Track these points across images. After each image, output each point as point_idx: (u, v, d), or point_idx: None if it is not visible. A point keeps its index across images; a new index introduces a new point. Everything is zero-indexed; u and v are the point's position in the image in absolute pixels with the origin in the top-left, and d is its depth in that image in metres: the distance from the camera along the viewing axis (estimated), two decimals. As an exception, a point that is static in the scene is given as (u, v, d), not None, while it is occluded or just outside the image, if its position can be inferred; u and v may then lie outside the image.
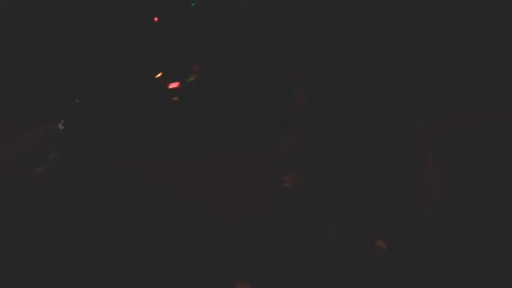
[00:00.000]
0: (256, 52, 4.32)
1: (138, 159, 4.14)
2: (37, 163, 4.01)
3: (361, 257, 3.53)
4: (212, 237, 3.82)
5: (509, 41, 3.88)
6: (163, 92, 3.83)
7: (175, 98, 3.80)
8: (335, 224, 3.64)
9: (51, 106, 4.09)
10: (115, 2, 4.08)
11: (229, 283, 3.56)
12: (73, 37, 4.08)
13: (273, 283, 3.55)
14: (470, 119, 3.75)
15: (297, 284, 3.54)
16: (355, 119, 4.00)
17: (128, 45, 4.01)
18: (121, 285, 3.72)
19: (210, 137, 4.24)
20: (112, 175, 4.05)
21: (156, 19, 3.95)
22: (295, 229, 3.72)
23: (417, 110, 3.89)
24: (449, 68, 3.97)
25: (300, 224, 3.73)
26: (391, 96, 4.00)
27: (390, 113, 3.96)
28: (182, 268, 3.72)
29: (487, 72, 3.89)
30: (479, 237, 3.49)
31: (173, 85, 3.70)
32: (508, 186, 3.58)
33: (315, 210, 3.74)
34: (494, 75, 3.88)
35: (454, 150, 3.70)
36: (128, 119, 4.17)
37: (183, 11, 4.08)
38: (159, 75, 3.68)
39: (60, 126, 3.91)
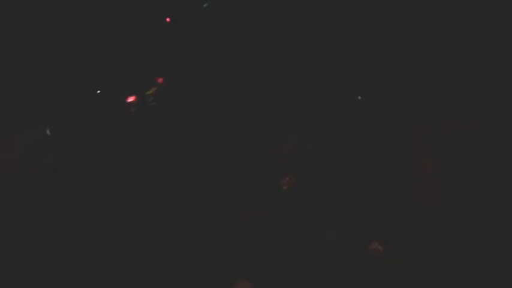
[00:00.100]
0: (258, 52, 4.32)
1: (138, 162, 4.16)
2: (34, 165, 4.02)
3: (360, 258, 3.54)
4: (212, 238, 3.82)
5: (508, 42, 3.88)
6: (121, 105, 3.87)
7: (132, 110, 3.82)
8: (335, 225, 3.64)
9: (43, 108, 4.09)
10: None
11: (229, 283, 3.57)
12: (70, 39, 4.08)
13: (273, 283, 3.55)
14: (470, 121, 3.75)
15: (297, 283, 3.55)
16: (355, 121, 4.01)
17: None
18: (121, 285, 3.73)
19: (209, 138, 4.24)
20: (109, 178, 4.08)
21: (168, 20, 3.98)
22: (294, 230, 3.73)
23: (417, 112, 3.89)
24: (448, 70, 3.97)
25: (299, 225, 3.73)
26: (390, 98, 4.01)
27: (389, 115, 3.96)
28: (182, 268, 3.73)
29: (486, 74, 3.89)
30: (478, 239, 3.49)
31: (130, 99, 3.70)
32: (507, 188, 3.58)
33: (314, 212, 3.75)
34: (494, 76, 3.88)
35: (453, 152, 3.70)
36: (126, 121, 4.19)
37: (195, 11, 4.11)
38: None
39: (48, 132, 3.92)
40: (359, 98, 3.85)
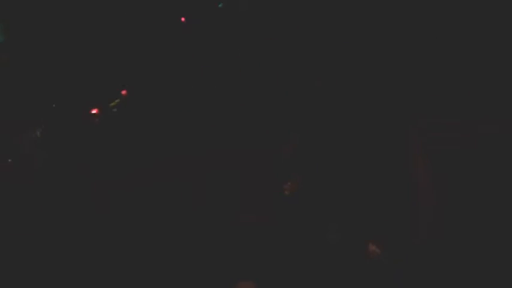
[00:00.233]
0: (258, 52, 4.32)
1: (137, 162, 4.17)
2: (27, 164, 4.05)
3: (360, 259, 3.54)
4: (213, 239, 3.82)
5: (506, 46, 3.88)
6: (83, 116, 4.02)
7: (97, 120, 3.93)
8: (335, 227, 3.65)
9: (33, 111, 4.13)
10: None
11: (231, 283, 3.57)
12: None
13: (274, 283, 3.56)
14: (465, 127, 3.76)
15: (298, 284, 3.55)
16: (355, 126, 4.01)
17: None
18: (120, 285, 3.74)
19: (209, 138, 4.24)
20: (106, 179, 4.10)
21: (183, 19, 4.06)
22: (295, 231, 3.73)
23: (416, 113, 3.89)
24: (447, 72, 3.97)
25: (300, 226, 3.74)
26: (389, 104, 4.01)
27: (389, 121, 3.96)
28: (185, 268, 3.74)
29: (486, 77, 3.89)
30: (477, 240, 3.49)
31: (93, 110, 3.81)
32: (503, 190, 3.58)
33: (314, 213, 3.75)
34: (493, 80, 3.87)
35: (450, 157, 3.71)
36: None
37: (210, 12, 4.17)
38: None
39: (38, 134, 3.98)
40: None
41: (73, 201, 4.03)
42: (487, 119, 3.75)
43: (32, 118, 4.05)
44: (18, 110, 4.04)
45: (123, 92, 4.04)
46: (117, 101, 4.04)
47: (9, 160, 3.98)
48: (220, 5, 4.17)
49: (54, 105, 4.06)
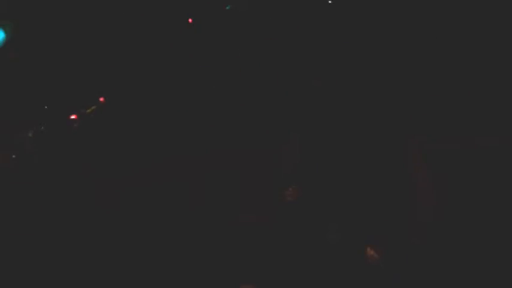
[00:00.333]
0: (258, 52, 4.32)
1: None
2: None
3: (359, 259, 3.56)
4: (213, 238, 3.84)
5: (505, 57, 3.89)
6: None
7: (75, 126, 4.09)
8: (335, 227, 3.66)
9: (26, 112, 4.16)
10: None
11: (232, 282, 3.58)
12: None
13: (274, 283, 3.57)
14: (461, 139, 3.79)
15: (299, 284, 3.57)
16: (355, 126, 4.03)
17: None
18: (120, 285, 3.75)
19: (209, 138, 4.25)
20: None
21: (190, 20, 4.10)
22: (295, 231, 3.75)
23: (413, 129, 3.92)
24: (448, 83, 3.98)
25: (300, 227, 3.75)
26: (390, 104, 4.02)
27: (389, 121, 3.98)
28: (185, 268, 3.75)
29: (486, 89, 3.90)
30: (476, 241, 3.52)
31: (72, 116, 4.00)
32: (505, 191, 3.61)
33: (314, 214, 3.77)
34: (493, 91, 3.89)
35: (448, 167, 3.73)
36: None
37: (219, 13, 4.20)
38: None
39: (30, 134, 4.04)
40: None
41: (63, 200, 4.04)
42: (487, 132, 3.77)
43: (25, 118, 4.08)
44: (12, 110, 4.06)
45: (101, 99, 4.12)
46: (93, 107, 4.12)
47: (13, 156, 4.01)
48: (228, 7, 4.17)
49: (46, 107, 4.11)
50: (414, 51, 4.08)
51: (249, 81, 4.35)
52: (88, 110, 4.13)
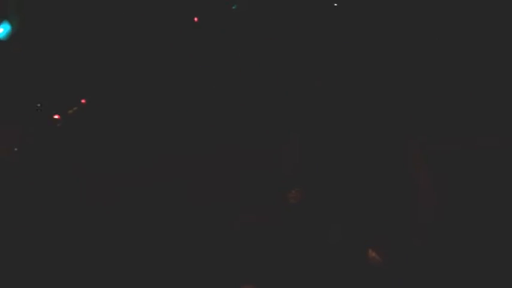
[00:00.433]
0: (258, 52, 4.31)
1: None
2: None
3: (360, 260, 3.54)
4: (213, 239, 3.82)
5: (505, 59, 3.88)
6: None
7: (59, 125, 4.21)
8: (337, 228, 3.65)
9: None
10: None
11: (232, 283, 3.57)
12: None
13: (274, 283, 3.56)
14: (462, 140, 3.78)
15: (300, 285, 3.55)
16: (355, 127, 4.01)
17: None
18: (120, 285, 3.74)
19: (209, 139, 4.24)
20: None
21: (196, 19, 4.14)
22: (296, 232, 3.73)
23: (414, 129, 3.91)
24: (449, 84, 3.97)
25: (301, 227, 3.74)
26: (390, 105, 4.01)
27: (389, 121, 3.97)
28: (184, 268, 3.74)
29: (487, 90, 3.89)
30: (474, 244, 3.50)
31: (56, 116, 4.17)
32: (505, 192, 3.59)
33: (315, 215, 3.75)
34: (493, 92, 3.88)
35: (449, 168, 3.71)
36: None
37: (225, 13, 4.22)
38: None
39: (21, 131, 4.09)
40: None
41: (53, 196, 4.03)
42: (487, 132, 3.75)
43: (16, 116, 4.11)
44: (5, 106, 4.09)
45: (83, 101, 4.22)
46: (75, 108, 4.20)
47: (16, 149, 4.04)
48: (234, 7, 4.17)
49: (39, 105, 4.15)
50: (415, 52, 4.07)
51: (249, 81, 4.34)
52: (70, 111, 4.18)
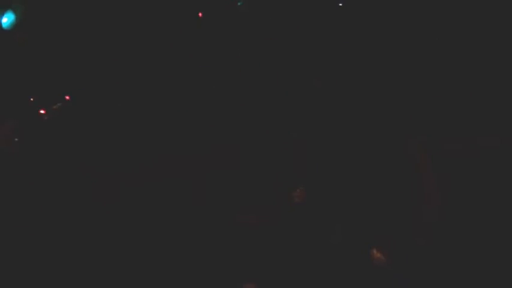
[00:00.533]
0: (258, 52, 4.31)
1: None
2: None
3: (362, 260, 3.55)
4: (216, 239, 3.79)
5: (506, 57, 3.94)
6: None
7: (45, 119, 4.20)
8: (338, 228, 3.65)
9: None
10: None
11: (232, 283, 3.55)
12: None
13: (276, 285, 3.55)
14: (463, 140, 3.83)
15: (301, 285, 3.54)
16: (356, 127, 4.03)
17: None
18: (119, 285, 3.67)
19: (209, 138, 4.22)
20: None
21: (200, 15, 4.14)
22: (297, 232, 3.72)
23: (415, 129, 3.94)
24: (451, 83, 4.02)
25: (302, 227, 3.73)
26: (390, 105, 4.04)
27: (390, 121, 4.00)
28: (184, 269, 3.70)
29: (488, 90, 3.95)
30: (477, 244, 3.53)
31: (42, 111, 4.16)
32: (506, 193, 3.63)
33: (318, 215, 3.75)
34: (495, 92, 3.94)
35: (451, 167, 3.75)
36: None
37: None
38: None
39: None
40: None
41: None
42: (489, 132, 3.80)
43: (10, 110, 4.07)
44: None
45: (67, 97, 4.20)
46: (59, 104, 4.17)
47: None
48: (240, 3, 4.18)
49: (32, 99, 4.11)
50: (415, 52, 4.11)
51: (249, 81, 4.34)
52: (54, 107, 4.12)
